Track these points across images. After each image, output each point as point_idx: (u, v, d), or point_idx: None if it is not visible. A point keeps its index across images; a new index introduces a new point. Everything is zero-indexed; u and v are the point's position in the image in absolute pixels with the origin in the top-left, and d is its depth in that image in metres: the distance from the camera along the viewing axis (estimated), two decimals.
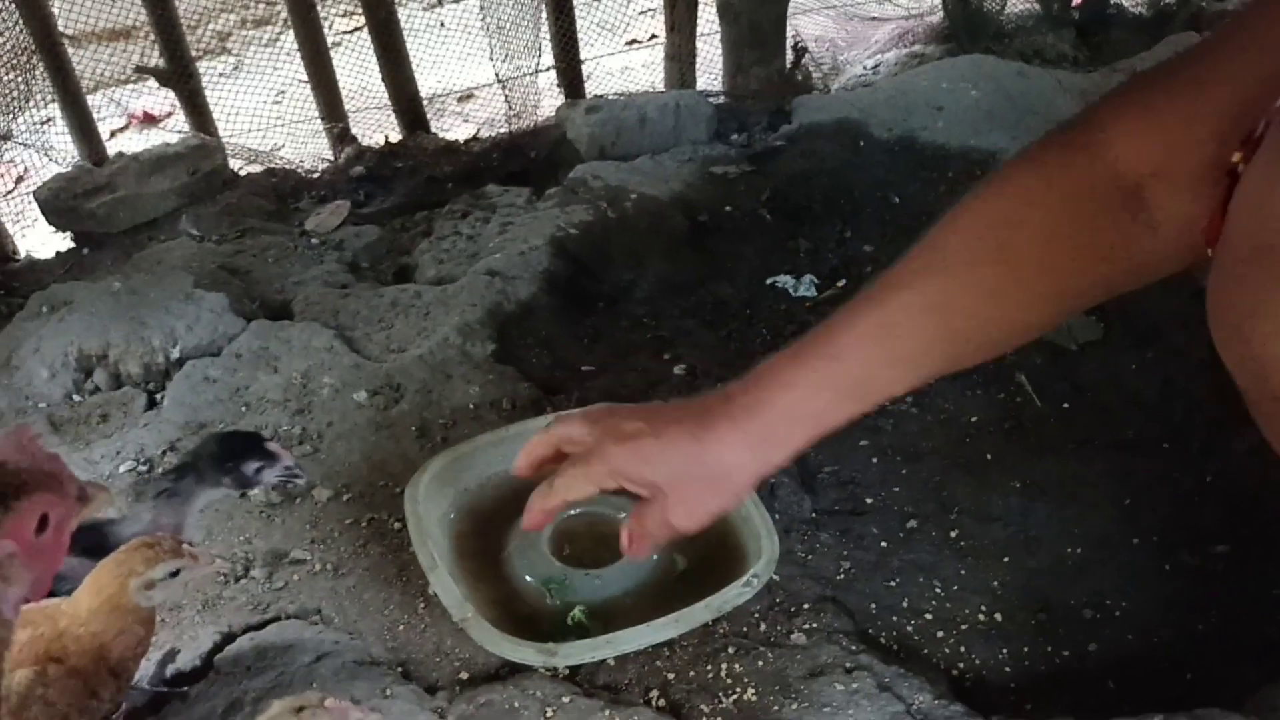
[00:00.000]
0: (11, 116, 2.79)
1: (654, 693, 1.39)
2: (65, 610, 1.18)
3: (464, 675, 1.42)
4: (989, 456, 1.79)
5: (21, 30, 2.57)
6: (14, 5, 2.53)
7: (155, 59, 2.96)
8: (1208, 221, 0.96)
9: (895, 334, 1.11)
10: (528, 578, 1.51)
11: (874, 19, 3.49)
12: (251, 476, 1.46)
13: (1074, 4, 3.53)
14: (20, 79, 2.67)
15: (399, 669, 1.43)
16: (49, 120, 3.42)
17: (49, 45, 2.64)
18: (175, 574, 1.19)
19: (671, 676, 1.41)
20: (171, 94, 3.08)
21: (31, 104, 2.83)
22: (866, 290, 1.13)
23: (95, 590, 1.17)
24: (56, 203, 2.68)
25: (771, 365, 1.16)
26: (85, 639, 1.16)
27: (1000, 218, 1.10)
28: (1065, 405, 1.90)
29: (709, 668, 1.41)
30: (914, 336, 1.11)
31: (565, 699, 1.36)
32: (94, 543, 1.31)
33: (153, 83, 3.18)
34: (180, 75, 2.82)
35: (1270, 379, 0.82)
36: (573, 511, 1.60)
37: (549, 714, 1.34)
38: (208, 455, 1.47)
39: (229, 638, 1.47)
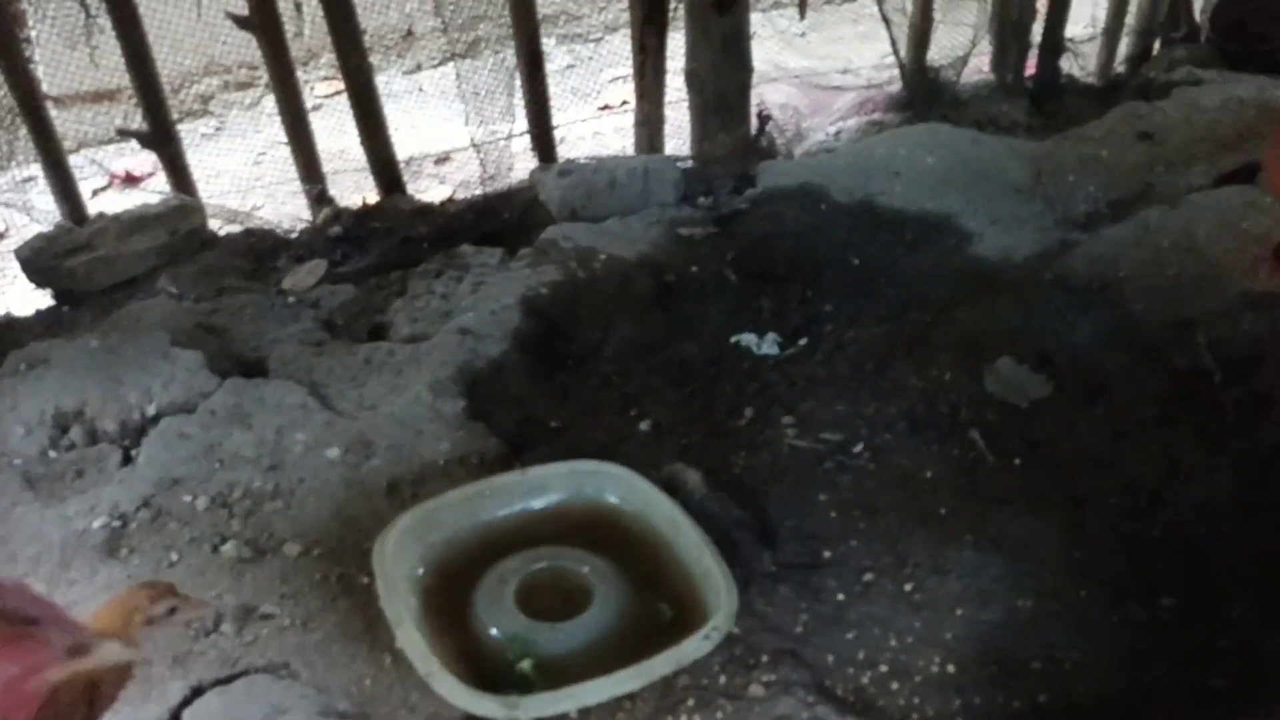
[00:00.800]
0: None
1: None
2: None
3: None
4: (944, 511, 1.84)
5: (5, 93, 2.62)
6: None
7: (138, 121, 3.01)
8: None
9: None
10: (493, 631, 1.55)
11: (836, 88, 3.60)
12: None
13: (1027, 74, 3.65)
14: (4, 139, 2.72)
15: None
16: (30, 179, 3.47)
17: (31, 107, 2.69)
18: (172, 612, 1.24)
19: None
20: (152, 155, 3.13)
21: (13, 163, 2.87)
22: None
23: (102, 627, 1.21)
24: (37, 261, 2.72)
25: None
26: (80, 672, 1.17)
27: None
28: (1017, 461, 1.96)
29: (669, 719, 1.45)
30: None
31: None
32: None
33: (134, 144, 3.23)
34: (161, 137, 2.87)
35: None
36: (537, 566, 1.65)
37: None
38: None
39: (197, 691, 1.50)
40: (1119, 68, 3.92)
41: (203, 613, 1.27)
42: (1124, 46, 3.93)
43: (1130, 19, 3.85)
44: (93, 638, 0.98)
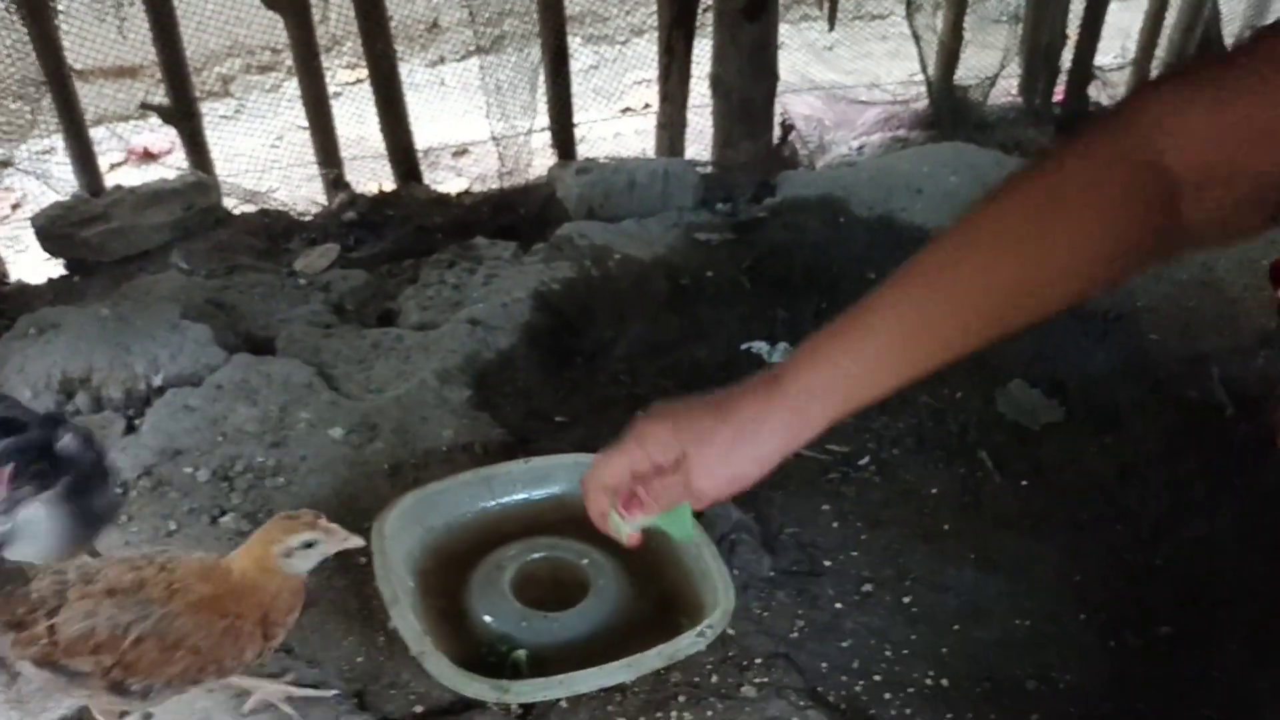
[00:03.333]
0: (15, 144, 2.84)
1: None
2: (232, 568, 1.29)
3: (419, 709, 1.44)
4: (947, 528, 1.84)
5: (33, 62, 2.63)
6: (28, 38, 2.59)
7: (160, 97, 3.02)
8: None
9: (928, 307, 1.08)
10: (487, 618, 1.54)
11: (861, 102, 3.60)
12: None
13: (1056, 100, 3.65)
14: (28, 109, 2.72)
15: (354, 699, 1.45)
16: (50, 150, 3.48)
17: (58, 78, 2.70)
18: (310, 545, 1.28)
19: None
20: (171, 132, 3.14)
21: (34, 133, 2.88)
22: (904, 267, 1.09)
23: (247, 554, 1.29)
24: (52, 229, 2.73)
25: (810, 343, 1.12)
26: (249, 595, 1.28)
27: (1038, 203, 1.06)
28: (1024, 483, 1.95)
29: (659, 714, 1.44)
30: (955, 307, 1.08)
31: None
32: None
33: (154, 119, 3.24)
34: (183, 114, 2.88)
35: None
36: (535, 555, 1.64)
37: None
38: None
39: None
40: None
41: (347, 544, 1.29)
42: (1153, 76, 3.92)
43: (1160, 51, 3.84)
44: None
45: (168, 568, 1.27)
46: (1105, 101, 3.75)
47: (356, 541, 1.32)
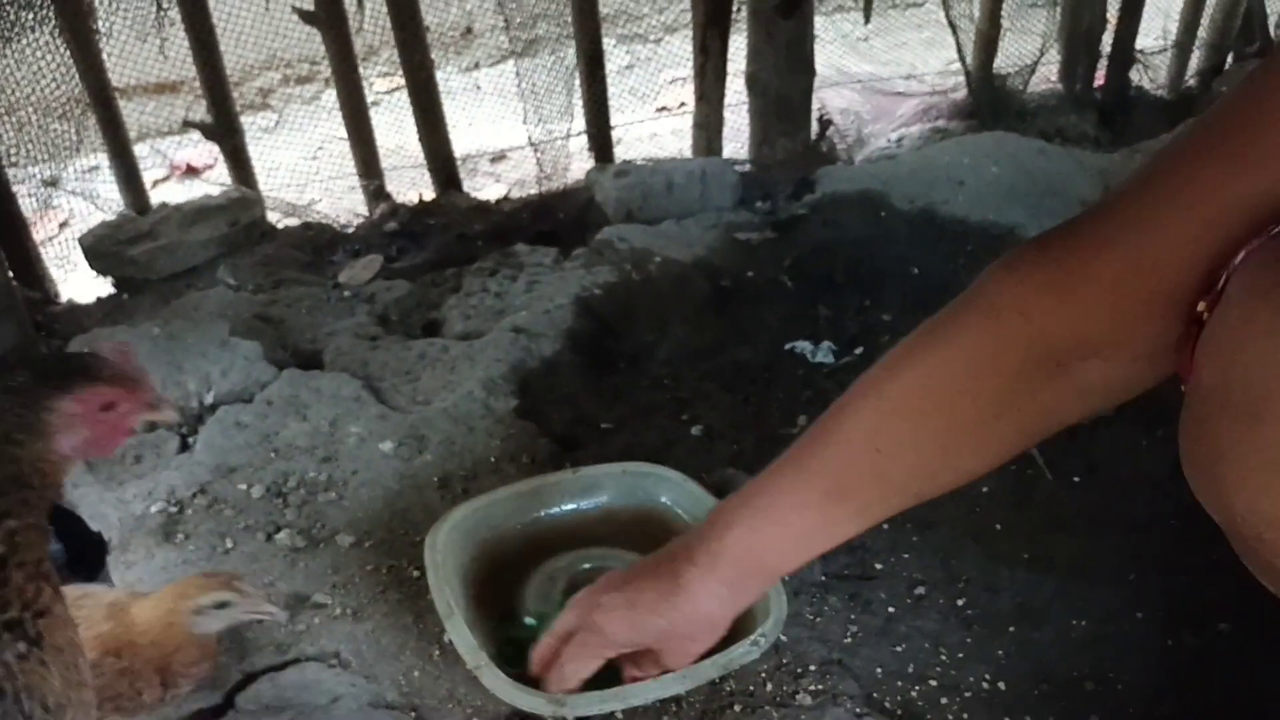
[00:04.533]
0: (61, 164, 2.89)
1: None
2: (135, 615, 1.29)
3: None
4: (998, 528, 1.82)
5: (78, 83, 2.68)
6: (71, 59, 2.64)
7: (200, 113, 3.06)
8: (1179, 362, 0.95)
9: (838, 498, 1.19)
10: (539, 628, 1.55)
11: (899, 94, 3.57)
12: None
13: (1096, 85, 3.60)
14: (73, 128, 2.77)
15: (412, 713, 1.46)
16: (93, 169, 3.54)
17: (102, 97, 2.75)
18: (223, 606, 1.28)
19: None
20: (212, 147, 3.18)
21: (81, 153, 2.93)
22: (807, 447, 1.21)
23: (156, 605, 1.29)
24: (100, 248, 2.77)
25: (728, 514, 1.26)
26: (146, 647, 1.28)
27: (927, 405, 1.12)
28: (1076, 480, 1.93)
29: None
30: (855, 500, 1.19)
31: None
32: None
33: (194, 135, 3.28)
34: (225, 130, 2.92)
35: (1237, 522, 0.82)
36: (586, 566, 1.64)
37: None
38: None
39: (250, 677, 1.51)
40: (1190, 81, 3.85)
41: (260, 610, 1.29)
42: (1196, 60, 3.86)
43: (1203, 32, 3.77)
44: (161, 397, 1.13)
45: (80, 602, 1.27)
46: (1147, 85, 3.70)
47: (272, 611, 1.34)
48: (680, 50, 3.77)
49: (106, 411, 1.05)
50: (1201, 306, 0.91)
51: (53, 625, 1.03)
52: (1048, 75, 3.57)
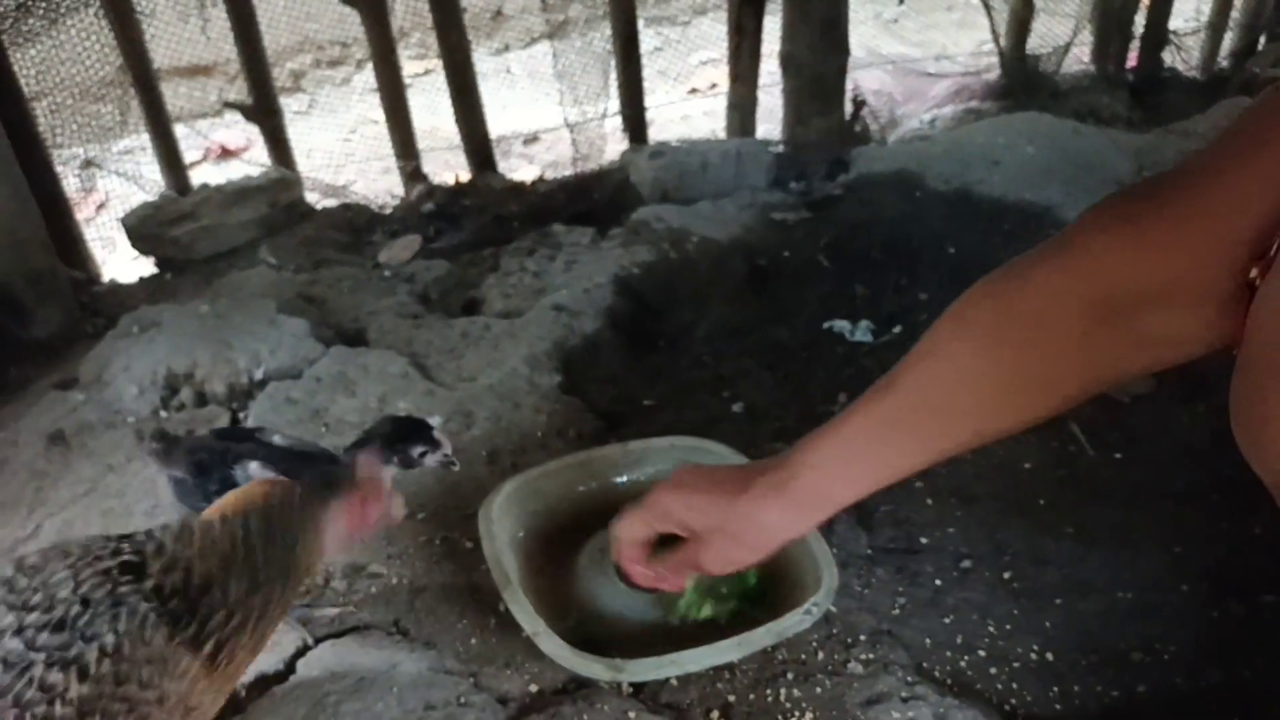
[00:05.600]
0: (106, 146, 2.93)
1: (715, 713, 1.44)
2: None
3: (534, 688, 1.48)
4: (1042, 502, 1.83)
5: (120, 65, 2.71)
6: (115, 41, 2.67)
7: (234, 94, 3.09)
8: (1219, 334, 0.97)
9: (907, 428, 1.21)
10: (594, 598, 1.57)
11: (932, 75, 3.57)
12: (415, 459, 1.56)
13: (1129, 66, 3.59)
14: (115, 110, 2.81)
15: (471, 680, 1.49)
16: (131, 150, 3.58)
17: (144, 80, 2.78)
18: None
19: (732, 698, 1.46)
20: (248, 128, 3.21)
21: (124, 134, 2.96)
22: (886, 379, 1.23)
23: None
24: (142, 229, 2.81)
25: (806, 442, 1.28)
26: None
27: (997, 337, 1.15)
28: (1117, 455, 1.94)
29: (769, 692, 1.46)
30: (923, 431, 1.21)
31: (631, 714, 1.41)
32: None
33: (228, 117, 3.32)
34: (265, 111, 2.94)
35: None
36: None
37: None
38: (382, 434, 1.55)
39: (309, 645, 1.54)
40: (1223, 62, 3.84)
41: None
42: (1228, 40, 3.84)
43: (1236, 13, 3.76)
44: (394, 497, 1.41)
45: None
46: (1180, 66, 3.68)
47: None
48: (710, 32, 3.77)
49: (357, 511, 1.25)
50: (1254, 273, 0.93)
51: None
52: (1080, 56, 3.56)
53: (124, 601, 1.03)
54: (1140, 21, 3.52)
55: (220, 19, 2.82)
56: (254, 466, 1.51)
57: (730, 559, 1.32)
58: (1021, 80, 3.30)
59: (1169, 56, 3.61)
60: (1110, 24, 3.49)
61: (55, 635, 1.00)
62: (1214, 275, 0.97)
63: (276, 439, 1.58)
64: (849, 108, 3.16)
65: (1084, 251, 1.07)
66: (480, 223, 2.91)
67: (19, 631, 1.00)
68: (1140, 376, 1.16)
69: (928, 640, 1.57)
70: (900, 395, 1.21)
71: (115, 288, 2.86)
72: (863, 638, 1.55)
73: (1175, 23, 3.63)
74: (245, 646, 1.11)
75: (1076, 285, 1.08)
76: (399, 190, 3.17)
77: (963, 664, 1.53)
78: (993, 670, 1.53)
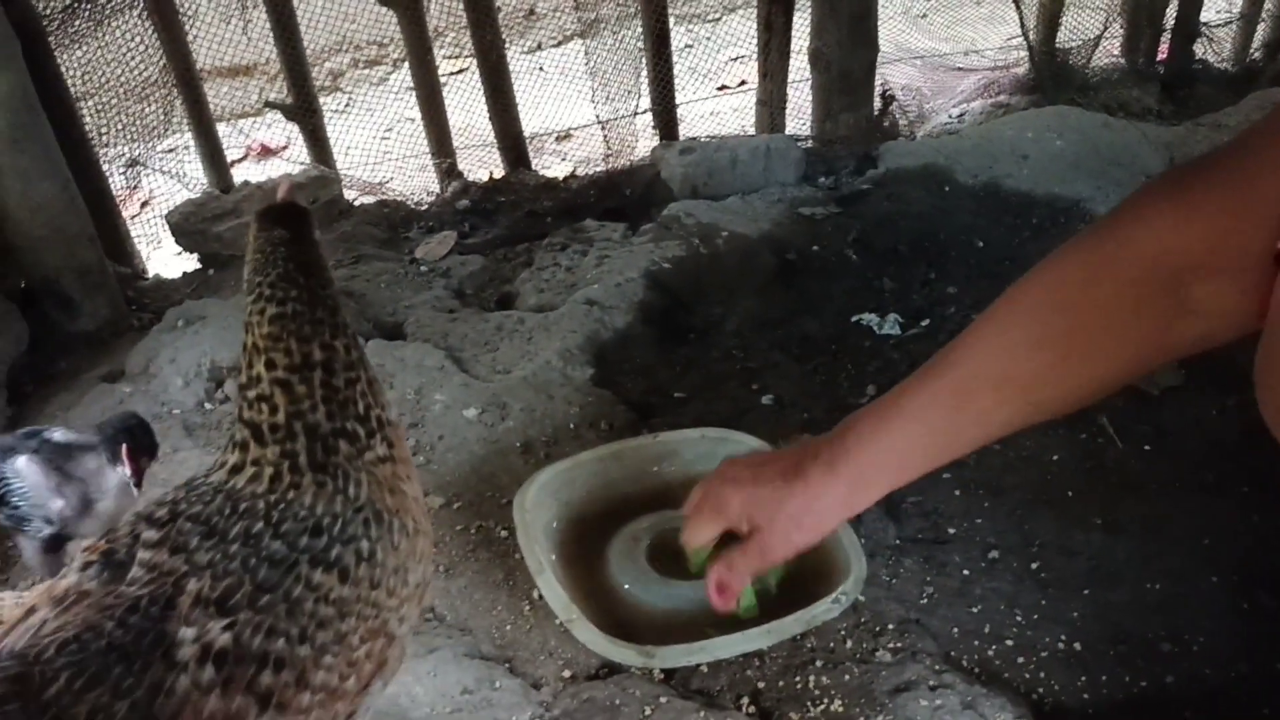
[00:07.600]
0: (151, 145, 2.99)
1: (745, 699, 1.47)
2: None
3: (567, 673, 1.52)
4: (1070, 494, 1.84)
5: (164, 65, 2.77)
6: (159, 42, 2.73)
7: (274, 94, 3.15)
8: (1260, 304, 1.00)
9: (962, 402, 1.23)
10: (627, 586, 1.61)
11: (960, 69, 3.57)
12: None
13: (1160, 59, 3.57)
14: (159, 110, 2.87)
15: (506, 664, 1.53)
16: (174, 149, 3.65)
17: (187, 79, 2.84)
18: None
19: (762, 685, 1.49)
20: (287, 127, 3.27)
21: (168, 133, 3.03)
22: (939, 356, 1.25)
23: None
24: (186, 225, 2.87)
25: (856, 420, 1.30)
26: None
27: (1051, 305, 1.18)
28: (1146, 447, 1.94)
29: (798, 679, 1.49)
30: (978, 404, 1.22)
31: (662, 699, 1.45)
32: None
33: (269, 117, 3.38)
34: (305, 110, 3.00)
35: None
36: (669, 526, 1.69)
37: (647, 713, 1.43)
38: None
39: None
40: (1255, 54, 3.81)
41: None
42: (1261, 32, 3.81)
43: (1269, 4, 3.73)
44: None
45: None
46: (1211, 58, 3.66)
47: None
48: (739, 29, 3.79)
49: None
50: None
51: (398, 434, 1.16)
52: (1110, 49, 3.55)
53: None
54: (1171, 14, 3.51)
55: (261, 20, 2.87)
56: (21, 461, 1.58)
57: (795, 542, 1.34)
58: (1050, 74, 3.29)
59: (1200, 49, 3.59)
60: (1141, 17, 3.48)
61: (314, 539, 1.05)
62: (1252, 237, 1.00)
63: (56, 435, 1.64)
64: (878, 103, 3.17)
65: (1135, 220, 1.11)
66: (514, 219, 2.95)
67: (278, 535, 1.04)
68: (1189, 352, 1.17)
69: (955, 629, 1.59)
70: (956, 369, 1.22)
71: (160, 282, 2.92)
72: (891, 627, 1.58)
73: (1207, 14, 3.61)
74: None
75: (1128, 252, 1.11)
76: (435, 187, 3.22)
77: (990, 653, 1.56)
78: (1020, 659, 1.55)
